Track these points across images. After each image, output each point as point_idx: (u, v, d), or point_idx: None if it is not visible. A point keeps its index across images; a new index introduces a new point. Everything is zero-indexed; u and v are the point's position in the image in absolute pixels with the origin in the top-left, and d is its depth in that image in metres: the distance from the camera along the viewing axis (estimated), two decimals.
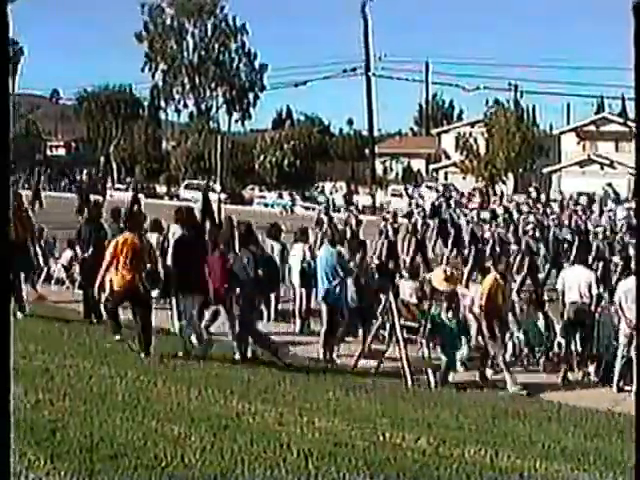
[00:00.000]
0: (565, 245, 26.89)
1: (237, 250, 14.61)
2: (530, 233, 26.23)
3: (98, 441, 7.11)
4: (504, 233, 27.43)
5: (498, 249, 26.01)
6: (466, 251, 29.27)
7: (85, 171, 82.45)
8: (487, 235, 27.63)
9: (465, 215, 33.57)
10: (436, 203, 37.59)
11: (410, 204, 44.77)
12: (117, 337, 13.79)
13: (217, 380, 11.62)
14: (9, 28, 3.17)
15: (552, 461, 8.24)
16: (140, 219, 16.20)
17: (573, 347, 15.65)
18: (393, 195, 64.75)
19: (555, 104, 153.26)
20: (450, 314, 14.93)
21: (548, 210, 38.11)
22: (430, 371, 13.96)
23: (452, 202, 41.43)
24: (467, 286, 18.06)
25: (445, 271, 15.87)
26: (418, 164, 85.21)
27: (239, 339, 14.17)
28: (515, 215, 34.66)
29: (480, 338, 14.84)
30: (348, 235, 28.71)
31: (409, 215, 32.44)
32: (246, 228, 14.99)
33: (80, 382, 10.25)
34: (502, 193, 64.00)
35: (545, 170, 72.34)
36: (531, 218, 31.28)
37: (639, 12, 3.18)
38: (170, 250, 15.11)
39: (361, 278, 16.62)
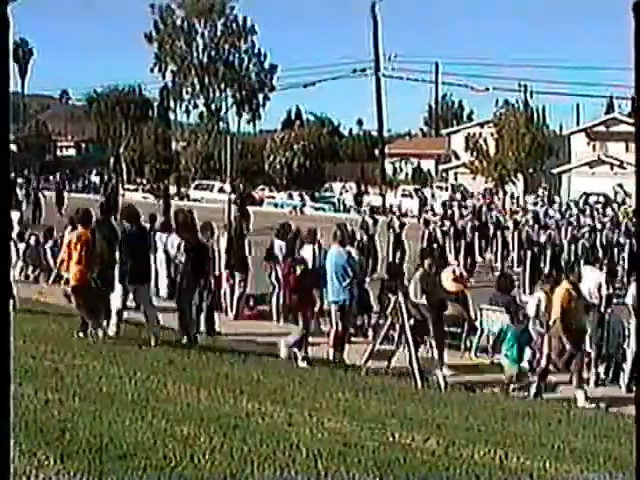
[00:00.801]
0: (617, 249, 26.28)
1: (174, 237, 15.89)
2: (586, 236, 25.75)
3: (107, 441, 7.12)
4: (556, 236, 26.69)
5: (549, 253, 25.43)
6: (514, 254, 28.76)
7: (95, 171, 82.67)
8: (543, 239, 26.74)
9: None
10: (477, 205, 36.93)
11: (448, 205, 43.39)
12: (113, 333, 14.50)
13: (227, 380, 11.63)
14: (9, 28, 3.18)
15: (562, 462, 8.23)
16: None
17: (583, 347, 15.60)
18: (403, 195, 64.71)
19: (565, 104, 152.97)
20: (516, 324, 14.64)
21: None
22: (439, 372, 13.94)
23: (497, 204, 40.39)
24: (530, 292, 17.47)
25: (454, 272, 15.87)
26: (428, 165, 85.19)
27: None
28: (557, 216, 33.78)
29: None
30: (392, 239, 28.61)
31: (451, 217, 31.59)
32: (184, 217, 16.23)
33: (90, 382, 10.27)
34: (512, 194, 63.94)
35: (555, 171, 72.20)
36: (588, 221, 30.47)
37: (639, 11, 3.17)
38: (118, 245, 15.63)
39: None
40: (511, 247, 29.38)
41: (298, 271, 14.46)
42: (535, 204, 46.61)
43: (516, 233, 28.75)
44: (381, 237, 27.36)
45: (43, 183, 63.03)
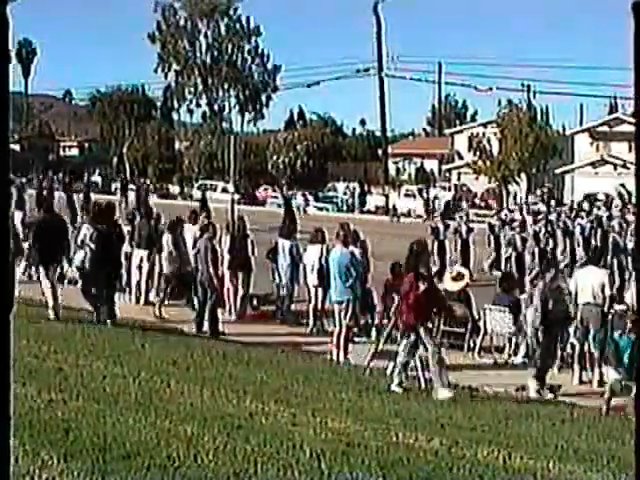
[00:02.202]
0: None
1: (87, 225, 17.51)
2: None
3: (111, 441, 7.12)
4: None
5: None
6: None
7: (97, 171, 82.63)
8: (631, 245, 25.15)
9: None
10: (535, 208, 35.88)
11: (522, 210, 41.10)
12: None
13: (230, 380, 11.62)
14: (9, 28, 3.19)
15: (565, 462, 8.22)
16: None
17: (586, 348, 15.60)
18: (406, 195, 64.71)
19: (568, 104, 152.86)
20: (631, 334, 13.44)
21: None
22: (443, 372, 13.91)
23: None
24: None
25: (451, 272, 15.88)
26: (431, 164, 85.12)
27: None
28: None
29: None
30: (459, 245, 28.03)
31: (522, 224, 30.11)
32: (98, 209, 17.90)
33: (93, 382, 10.27)
34: (515, 194, 63.90)
35: (558, 171, 72.13)
36: None
37: (639, 11, 3.17)
38: (33, 231, 16.88)
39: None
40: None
41: (422, 288, 12.90)
42: (535, 204, 45.94)
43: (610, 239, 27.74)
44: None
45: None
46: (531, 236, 27.51)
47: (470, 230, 28.81)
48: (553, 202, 45.86)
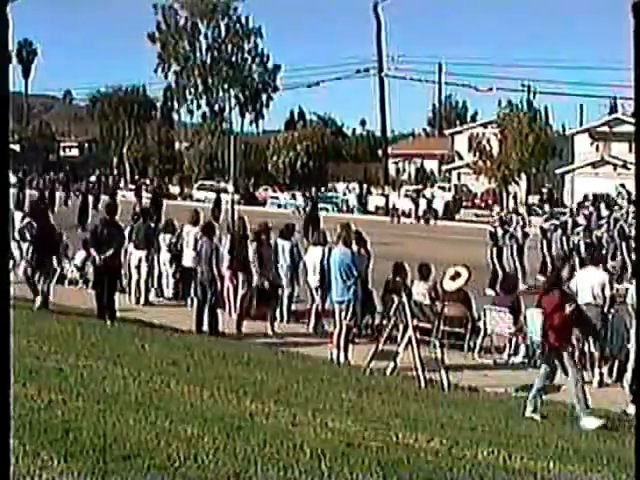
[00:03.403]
0: None
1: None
2: None
3: (111, 441, 7.11)
4: None
5: None
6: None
7: (97, 172, 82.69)
8: None
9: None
10: (586, 212, 34.98)
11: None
12: None
13: (230, 380, 11.62)
14: (9, 28, 3.19)
15: (565, 462, 8.22)
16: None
17: (586, 348, 15.59)
18: (406, 196, 64.70)
19: (567, 104, 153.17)
20: None
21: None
22: (443, 372, 13.91)
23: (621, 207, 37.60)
24: None
25: (450, 271, 15.85)
26: (431, 165, 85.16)
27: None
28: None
29: None
30: (515, 251, 26.93)
31: (587, 228, 28.90)
32: (35, 203, 22.21)
33: (93, 382, 10.26)
34: (516, 194, 63.87)
35: (558, 171, 72.15)
36: None
37: (639, 11, 3.16)
38: None
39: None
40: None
41: (568, 310, 11.79)
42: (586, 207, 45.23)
43: None
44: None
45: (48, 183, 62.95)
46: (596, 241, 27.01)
47: (526, 235, 28.06)
48: (604, 205, 44.97)
